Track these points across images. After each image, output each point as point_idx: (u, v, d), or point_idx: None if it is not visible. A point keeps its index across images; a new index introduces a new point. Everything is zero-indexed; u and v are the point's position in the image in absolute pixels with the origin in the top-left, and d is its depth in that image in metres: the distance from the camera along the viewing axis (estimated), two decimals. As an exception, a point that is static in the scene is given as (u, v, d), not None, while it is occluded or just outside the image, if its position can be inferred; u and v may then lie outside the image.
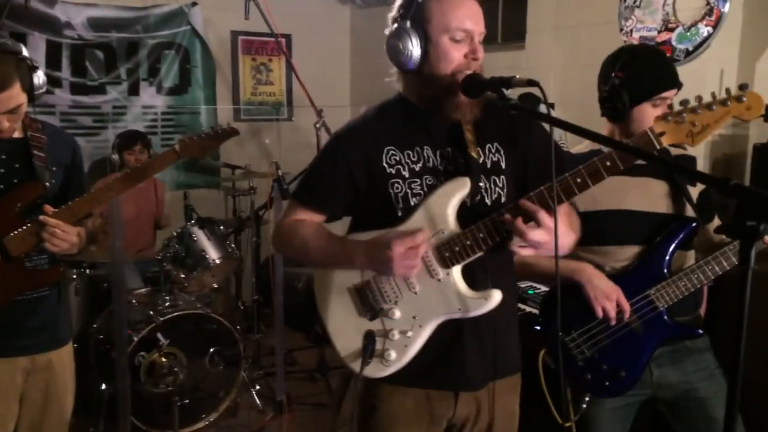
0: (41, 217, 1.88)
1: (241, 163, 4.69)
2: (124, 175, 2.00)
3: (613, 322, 1.87)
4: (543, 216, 1.44)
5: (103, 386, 3.30)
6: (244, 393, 3.70)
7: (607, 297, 1.85)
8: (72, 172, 2.09)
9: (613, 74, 1.94)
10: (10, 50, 1.82)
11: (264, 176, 4.07)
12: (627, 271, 1.96)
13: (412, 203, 1.58)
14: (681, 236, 1.93)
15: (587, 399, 1.99)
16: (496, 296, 1.53)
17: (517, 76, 1.44)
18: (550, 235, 1.43)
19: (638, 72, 1.92)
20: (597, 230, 1.91)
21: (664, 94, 1.92)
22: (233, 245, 4.04)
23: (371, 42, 5.44)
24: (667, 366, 1.97)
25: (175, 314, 3.34)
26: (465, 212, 1.56)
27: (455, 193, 1.55)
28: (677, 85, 1.94)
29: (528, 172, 1.64)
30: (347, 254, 1.58)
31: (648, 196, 1.96)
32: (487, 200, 1.60)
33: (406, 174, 1.59)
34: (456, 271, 1.55)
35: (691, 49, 3.33)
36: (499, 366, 1.67)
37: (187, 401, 3.23)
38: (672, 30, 3.39)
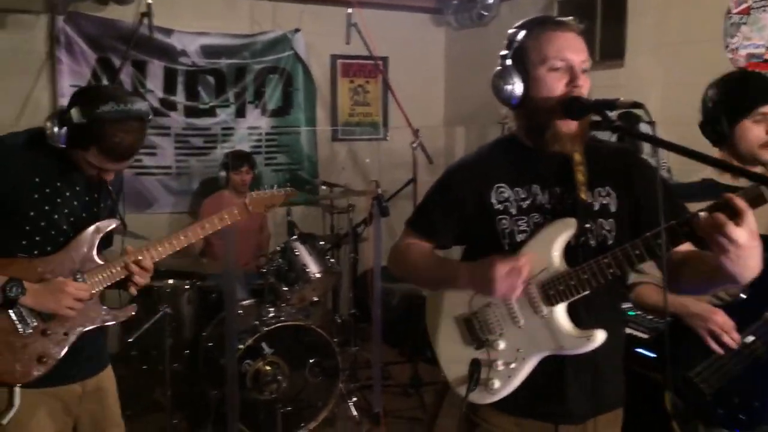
0: (144, 263, 1.93)
1: (337, 181, 4.87)
2: (202, 225, 2.10)
3: (729, 343, 1.84)
4: (749, 217, 1.31)
5: (213, 391, 3.49)
6: (341, 404, 3.81)
7: (705, 319, 1.85)
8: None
9: (707, 99, 1.96)
10: (146, 117, 1.88)
11: (362, 194, 4.20)
12: (741, 297, 1.90)
13: (519, 239, 1.63)
14: None
15: None
16: (599, 336, 1.55)
17: (621, 99, 1.47)
18: (753, 239, 1.31)
19: (731, 90, 1.92)
20: None
21: (762, 109, 1.89)
22: (332, 260, 4.18)
23: (465, 63, 5.58)
24: None
25: (279, 325, 3.50)
26: (569, 252, 1.60)
27: (561, 233, 1.59)
28: None
29: (642, 218, 1.63)
30: (452, 275, 1.66)
31: None
32: (591, 242, 1.62)
33: (514, 211, 1.64)
34: (560, 308, 1.58)
35: (803, 65, 3.21)
36: (601, 402, 1.68)
37: (289, 409, 3.37)
38: (782, 46, 3.28)
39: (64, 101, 4.47)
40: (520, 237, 1.63)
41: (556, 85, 1.55)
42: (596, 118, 1.52)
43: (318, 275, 3.85)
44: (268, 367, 3.39)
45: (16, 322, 1.81)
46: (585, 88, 1.56)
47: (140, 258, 1.94)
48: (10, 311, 1.80)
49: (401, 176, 4.82)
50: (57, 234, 1.89)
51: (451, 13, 5.48)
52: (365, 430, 3.67)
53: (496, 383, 1.63)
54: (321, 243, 4.08)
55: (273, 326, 3.48)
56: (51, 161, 1.87)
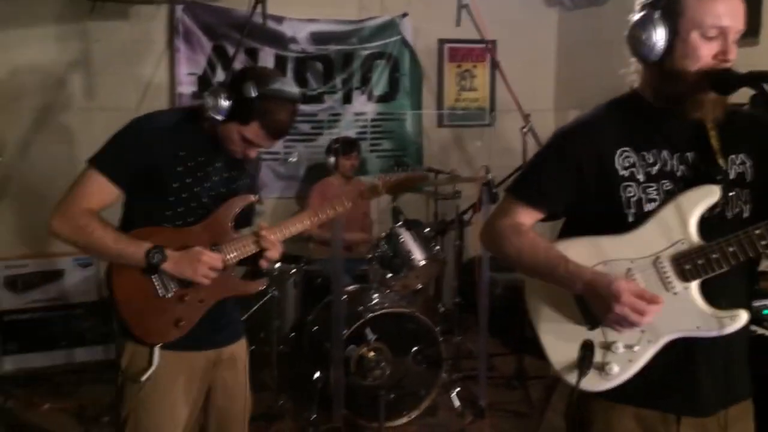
0: (272, 237, 2.01)
1: (442, 167, 4.79)
2: (334, 205, 2.15)
3: None
4: None
5: (317, 374, 3.53)
6: (444, 394, 3.76)
7: None
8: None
9: None
10: (298, 101, 1.97)
11: (471, 181, 4.10)
12: None
13: (647, 209, 1.49)
14: None
15: None
16: (744, 317, 1.41)
17: None
18: None
19: None
20: None
21: None
22: (437, 248, 4.12)
23: (579, 45, 5.33)
24: None
25: (383, 311, 3.48)
26: (701, 224, 1.45)
27: (701, 202, 1.45)
28: None
29: None
30: (568, 279, 1.50)
31: None
32: (727, 213, 1.48)
33: (641, 177, 1.50)
34: (695, 285, 1.45)
35: None
36: (732, 393, 1.53)
37: (392, 396, 3.36)
38: None
39: (182, 88, 4.67)
40: (648, 206, 1.49)
41: (703, 53, 1.42)
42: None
43: (423, 262, 3.80)
44: (371, 353, 3.39)
45: (158, 286, 1.94)
46: (732, 61, 1.42)
47: (272, 235, 2.03)
48: (153, 276, 1.93)
49: (509, 162, 4.64)
50: (198, 206, 1.99)
51: (566, -7, 5.25)
52: (468, 422, 3.59)
53: (615, 368, 1.50)
54: (426, 230, 4.02)
55: (377, 312, 3.46)
56: (196, 137, 1.98)
